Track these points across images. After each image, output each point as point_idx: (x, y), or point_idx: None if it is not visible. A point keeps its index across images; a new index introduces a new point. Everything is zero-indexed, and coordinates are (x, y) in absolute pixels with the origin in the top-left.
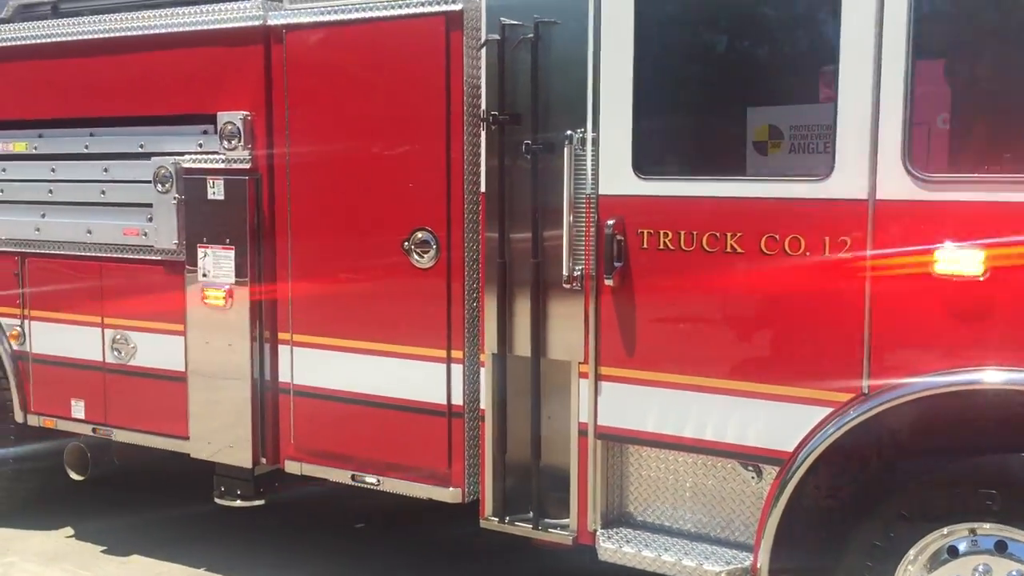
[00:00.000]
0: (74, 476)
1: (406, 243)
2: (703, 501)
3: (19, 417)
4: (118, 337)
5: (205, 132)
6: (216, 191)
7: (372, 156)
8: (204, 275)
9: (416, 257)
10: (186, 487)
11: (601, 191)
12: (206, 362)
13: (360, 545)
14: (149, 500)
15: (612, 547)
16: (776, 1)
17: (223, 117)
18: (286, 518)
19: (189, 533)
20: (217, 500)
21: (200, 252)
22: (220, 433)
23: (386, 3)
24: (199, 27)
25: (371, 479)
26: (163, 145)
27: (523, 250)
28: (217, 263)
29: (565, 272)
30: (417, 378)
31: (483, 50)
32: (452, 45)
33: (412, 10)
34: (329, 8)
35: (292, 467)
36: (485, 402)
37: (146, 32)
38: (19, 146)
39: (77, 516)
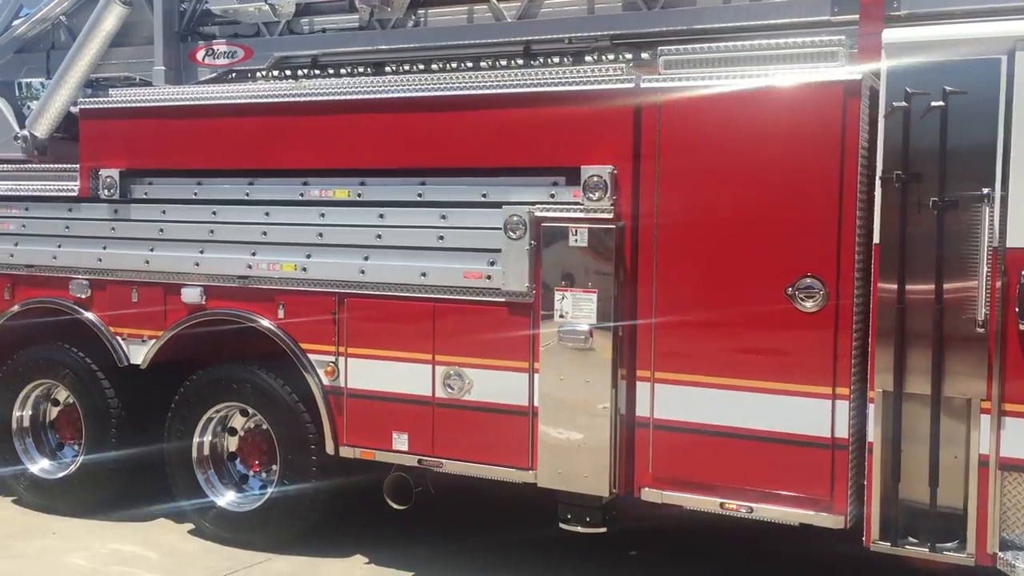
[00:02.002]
0: (395, 506)
1: (790, 288)
2: None
3: (330, 449)
4: (451, 373)
5: (555, 183)
6: (579, 238)
7: (751, 209)
8: (561, 316)
9: (801, 301)
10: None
11: (1009, 244)
12: (560, 397)
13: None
14: (433, 529)
15: None
16: None
17: (588, 170)
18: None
19: (481, 562)
20: (563, 526)
21: (558, 295)
22: (573, 463)
23: (777, 73)
24: (566, 88)
25: (742, 506)
26: (508, 195)
27: (922, 297)
28: (577, 305)
29: (980, 318)
30: (796, 413)
31: (882, 115)
32: (848, 110)
33: (808, 79)
34: (710, 76)
35: (650, 495)
36: (873, 435)
37: (502, 91)
38: (341, 193)
39: (367, 545)
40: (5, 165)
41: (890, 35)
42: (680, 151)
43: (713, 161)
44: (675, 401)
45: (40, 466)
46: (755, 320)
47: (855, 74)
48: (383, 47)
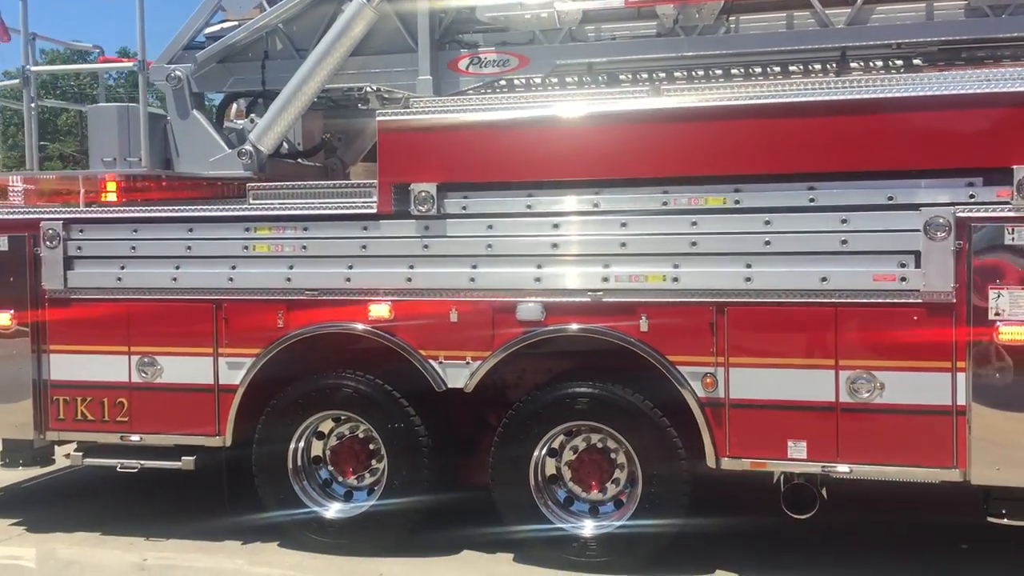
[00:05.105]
0: (795, 516)
1: None
2: None
3: (711, 462)
4: (859, 377)
5: (971, 183)
6: (1017, 237)
7: None
8: (997, 314)
9: None
10: None
11: None
12: (997, 395)
13: None
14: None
15: None
16: None
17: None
18: None
19: None
20: (993, 520)
21: (992, 293)
22: (1015, 459)
23: None
24: (997, 89)
25: None
26: (915, 196)
27: None
28: (1015, 302)
29: None
30: None
31: None
32: None
33: None
34: None
35: None
36: None
37: (918, 94)
38: (714, 200)
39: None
40: (259, 184)
41: None
42: None
43: None
44: None
45: (336, 508)
46: None
47: None
48: (687, 53)
